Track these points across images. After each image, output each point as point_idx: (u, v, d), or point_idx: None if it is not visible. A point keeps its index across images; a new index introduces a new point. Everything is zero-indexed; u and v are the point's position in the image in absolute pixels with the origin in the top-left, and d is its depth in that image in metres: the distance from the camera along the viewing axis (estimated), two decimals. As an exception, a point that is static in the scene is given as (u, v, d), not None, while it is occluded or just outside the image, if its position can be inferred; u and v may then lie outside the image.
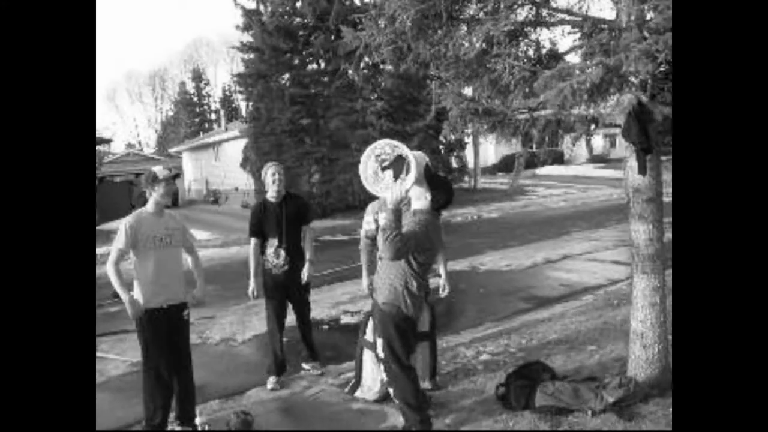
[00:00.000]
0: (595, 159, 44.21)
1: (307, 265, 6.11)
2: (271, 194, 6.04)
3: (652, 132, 4.42)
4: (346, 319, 8.62)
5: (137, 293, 4.74)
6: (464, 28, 5.40)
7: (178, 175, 5.08)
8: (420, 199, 4.50)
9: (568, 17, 5.11)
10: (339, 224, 20.57)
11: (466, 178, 30.70)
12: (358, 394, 5.38)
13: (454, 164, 28.62)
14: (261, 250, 6.06)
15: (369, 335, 5.28)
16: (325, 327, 8.25)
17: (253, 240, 6.02)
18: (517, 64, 4.28)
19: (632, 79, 3.52)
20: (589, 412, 4.53)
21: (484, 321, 7.92)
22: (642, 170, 4.55)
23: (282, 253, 5.95)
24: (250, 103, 24.68)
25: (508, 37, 5.21)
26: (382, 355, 4.54)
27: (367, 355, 5.31)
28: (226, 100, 65.14)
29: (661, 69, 3.86)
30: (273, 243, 5.94)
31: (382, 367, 4.85)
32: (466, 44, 5.40)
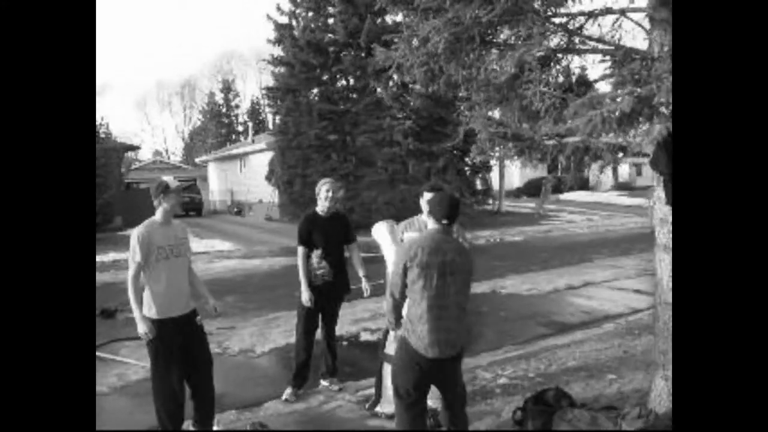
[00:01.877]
0: (621, 186, 43.98)
1: (364, 281, 6.34)
2: (322, 208, 6.20)
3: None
4: (365, 336, 8.64)
5: (149, 303, 4.74)
6: (496, 52, 5.45)
7: (190, 186, 5.17)
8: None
9: (600, 45, 5.14)
10: (362, 241, 20.42)
11: (491, 201, 30.65)
12: (378, 408, 5.40)
13: (479, 186, 28.61)
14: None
15: (389, 349, 5.32)
16: (345, 343, 8.27)
17: (302, 248, 6.11)
18: (548, 90, 4.31)
19: (662, 109, 3.53)
20: (607, 442, 4.51)
21: (503, 344, 7.90)
22: (670, 200, 4.54)
23: (325, 263, 6.09)
24: (278, 117, 24.90)
25: (540, 63, 5.25)
26: None
27: (387, 370, 5.34)
28: (254, 113, 65.77)
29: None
30: (318, 253, 6.07)
31: None
32: (498, 69, 5.45)
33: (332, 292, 6.23)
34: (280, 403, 5.97)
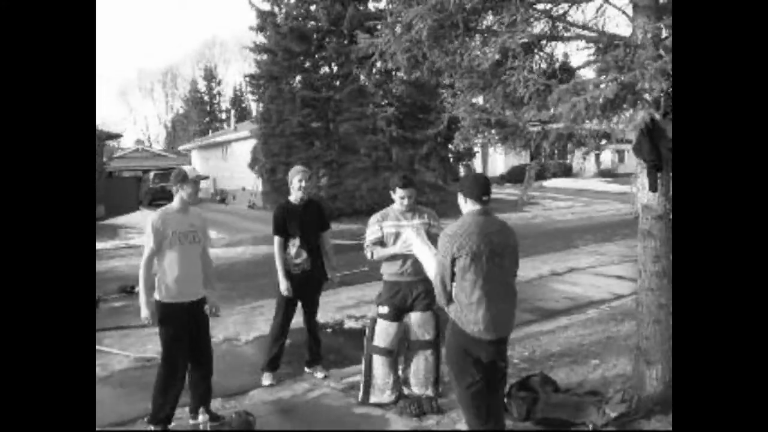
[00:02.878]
0: (603, 173, 44.19)
1: (333, 273, 6.46)
2: (295, 197, 6.20)
3: (664, 149, 4.44)
4: (350, 324, 8.64)
5: (160, 287, 4.86)
6: (480, 39, 5.44)
7: (206, 177, 5.24)
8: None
9: (583, 32, 5.15)
10: (346, 228, 20.58)
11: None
12: (372, 399, 5.42)
13: (462, 173, 28.65)
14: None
15: (378, 341, 5.34)
16: (329, 331, 8.26)
17: (278, 238, 6.10)
18: (532, 77, 4.30)
19: (646, 96, 3.54)
20: (591, 426, 4.55)
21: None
22: (653, 187, 4.57)
23: (303, 253, 6.09)
24: (261, 104, 24.75)
25: (523, 50, 5.25)
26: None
27: (378, 361, 5.36)
28: (237, 101, 65.40)
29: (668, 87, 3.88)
30: (295, 243, 6.07)
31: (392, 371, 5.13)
32: (481, 55, 5.45)
33: (311, 280, 6.24)
34: (265, 391, 5.98)
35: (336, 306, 9.54)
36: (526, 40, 5.09)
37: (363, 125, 22.61)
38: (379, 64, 23.47)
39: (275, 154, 22.89)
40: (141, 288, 4.87)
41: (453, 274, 4.06)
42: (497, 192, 35.48)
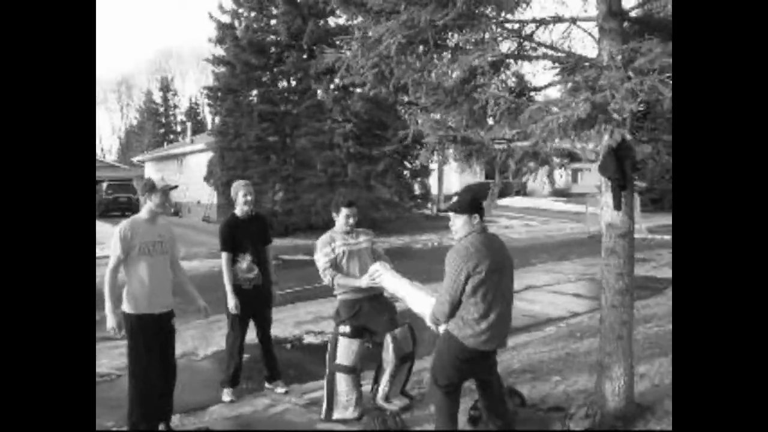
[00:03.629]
0: (557, 193, 44.80)
1: (275, 288, 6.38)
2: (242, 212, 6.12)
3: (628, 169, 4.53)
4: (309, 339, 8.60)
5: (128, 298, 4.76)
6: (448, 56, 5.48)
7: (175, 186, 5.15)
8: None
9: (550, 52, 5.23)
10: (302, 243, 20.47)
11: (429, 205, 30.85)
12: (335, 415, 5.35)
13: (417, 190, 28.76)
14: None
15: (341, 359, 5.31)
16: (288, 346, 8.21)
17: (226, 254, 5.99)
18: (503, 94, 4.35)
19: (615, 116, 3.61)
20: (556, 442, 4.58)
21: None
22: (617, 206, 4.64)
23: (255, 268, 5.99)
24: (218, 117, 24.55)
25: (491, 68, 5.31)
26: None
27: (341, 378, 5.31)
28: (193, 113, 64.78)
29: (641, 108, 3.97)
30: (245, 258, 5.98)
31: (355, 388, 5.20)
32: (448, 72, 5.49)
33: (261, 295, 6.17)
34: (225, 407, 5.90)
35: (294, 321, 9.48)
36: (494, 58, 5.15)
37: (320, 141, 22.59)
38: (337, 80, 23.55)
39: (231, 167, 22.69)
40: (106, 297, 4.73)
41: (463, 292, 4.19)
42: (452, 210, 35.75)
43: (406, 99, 24.80)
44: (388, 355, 5.44)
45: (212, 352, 7.83)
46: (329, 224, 5.80)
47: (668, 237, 21.21)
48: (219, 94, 23.88)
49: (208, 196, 27.99)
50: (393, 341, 5.42)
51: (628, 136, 3.62)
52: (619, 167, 4.45)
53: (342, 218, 5.51)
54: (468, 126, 5.72)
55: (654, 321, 8.56)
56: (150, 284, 4.78)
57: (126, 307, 4.77)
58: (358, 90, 23.18)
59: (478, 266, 4.14)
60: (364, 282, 5.28)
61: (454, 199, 4.53)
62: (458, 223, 4.37)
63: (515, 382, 6.09)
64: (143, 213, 4.91)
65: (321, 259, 5.45)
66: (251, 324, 6.22)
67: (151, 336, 4.80)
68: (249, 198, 6.11)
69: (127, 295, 4.78)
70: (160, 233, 4.93)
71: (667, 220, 27.51)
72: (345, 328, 5.37)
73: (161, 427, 4.89)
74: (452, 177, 42.47)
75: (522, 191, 43.75)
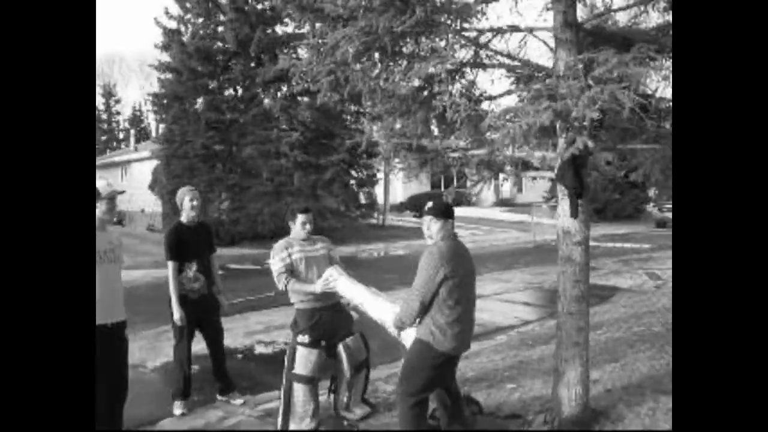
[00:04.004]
0: (502, 203, 45.35)
1: (221, 297, 6.23)
2: (188, 219, 5.98)
3: (585, 177, 4.59)
4: (260, 349, 8.48)
5: None
6: (404, 63, 5.48)
7: (122, 192, 4.93)
8: None
9: (507, 61, 5.27)
10: (248, 253, 20.26)
11: (376, 215, 30.86)
12: (292, 426, 5.23)
13: (363, 200, 28.72)
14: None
15: (299, 368, 5.22)
16: (240, 356, 8.07)
17: (172, 263, 5.80)
18: (463, 101, 4.37)
19: (576, 124, 3.65)
20: (515, 449, 4.59)
21: (399, 356, 7.89)
22: (574, 214, 4.69)
23: (201, 277, 5.86)
24: (164, 125, 24.13)
25: (448, 76, 5.33)
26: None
27: (299, 388, 5.21)
28: (136, 120, 63.57)
29: (598, 116, 4.02)
30: (191, 267, 5.83)
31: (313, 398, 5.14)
32: (404, 79, 5.49)
33: (208, 305, 6.03)
34: (177, 420, 5.75)
35: (245, 331, 9.33)
36: (451, 66, 5.17)
37: (266, 149, 22.38)
38: (285, 87, 23.46)
39: (177, 175, 22.29)
40: None
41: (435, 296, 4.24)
42: (398, 219, 35.85)
43: (353, 108, 24.99)
44: (343, 365, 5.39)
45: (161, 364, 7.64)
46: (276, 233, 5.75)
47: (611, 245, 21.67)
48: (165, 101, 23.47)
49: (153, 204, 27.46)
50: (346, 350, 5.37)
51: (591, 144, 3.65)
52: (577, 175, 4.50)
53: (298, 225, 5.43)
54: (422, 134, 5.74)
55: (603, 328, 8.69)
56: (102, 294, 4.57)
57: None
58: (305, 99, 23.14)
59: (455, 270, 4.20)
60: (318, 287, 5.17)
61: (430, 204, 4.53)
62: (434, 227, 4.42)
63: (470, 390, 6.09)
64: None
65: (276, 264, 5.33)
66: (200, 335, 6.07)
67: (104, 348, 4.59)
68: (195, 203, 5.95)
69: None
70: (109, 240, 4.73)
71: (610, 229, 28.13)
72: (304, 338, 5.27)
73: None
74: (398, 187, 42.68)
75: (466, 201, 44.15)
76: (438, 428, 4.86)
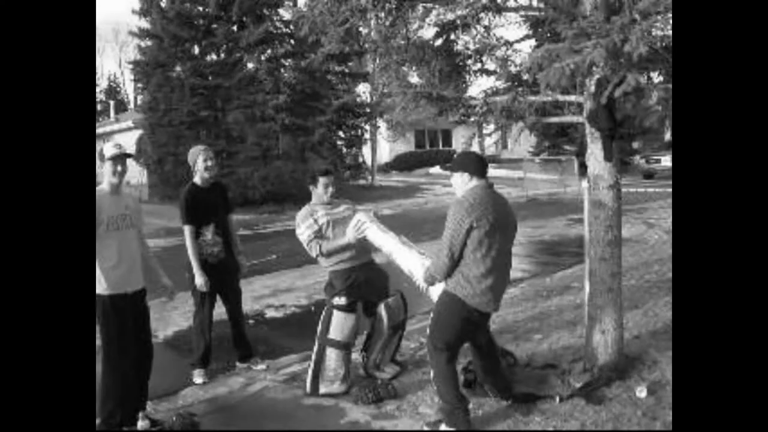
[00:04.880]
0: (488, 159, 45.15)
1: (242, 257, 6.01)
2: (202, 180, 5.70)
3: (620, 116, 4.46)
4: (271, 313, 8.35)
5: (98, 278, 4.31)
6: (420, 9, 5.30)
7: (129, 154, 4.65)
8: None
9: (525, 2, 5.11)
10: (240, 218, 19.98)
11: (365, 175, 30.68)
12: (322, 389, 5.11)
13: (352, 161, 28.48)
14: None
15: (334, 333, 5.10)
16: (251, 322, 7.93)
17: (189, 227, 5.55)
18: (497, 43, 4.19)
19: (622, 60, 3.50)
20: (557, 398, 4.51)
21: (415, 314, 7.81)
22: (608, 156, 4.57)
23: (219, 240, 5.65)
24: (146, 93, 23.60)
25: (462, 23, 5.17)
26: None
27: (331, 352, 5.10)
28: (113, 91, 62.55)
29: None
30: (209, 230, 5.61)
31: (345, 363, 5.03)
32: (421, 26, 5.30)
33: (228, 268, 5.82)
34: (198, 389, 5.56)
35: (252, 296, 9.18)
36: (468, 10, 5.00)
37: (252, 113, 22.03)
38: (269, 51, 23.06)
39: (163, 144, 21.93)
40: None
41: (464, 246, 4.07)
42: (385, 179, 35.69)
43: (338, 69, 24.69)
44: (382, 326, 5.27)
45: (173, 333, 7.50)
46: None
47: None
48: (147, 68, 22.94)
49: (138, 175, 27.07)
50: (387, 310, 5.26)
51: (643, 80, 3.50)
52: (611, 116, 4.36)
53: (320, 188, 5.29)
54: (440, 82, 5.59)
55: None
56: (121, 261, 4.40)
57: (98, 288, 4.33)
58: (290, 61, 22.80)
59: (480, 219, 4.01)
60: (350, 235, 5.01)
61: (454, 157, 4.39)
62: (456, 180, 4.26)
63: (498, 342, 6.02)
64: (104, 185, 4.46)
65: (305, 232, 5.19)
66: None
67: (126, 318, 4.44)
68: (210, 163, 5.66)
69: (99, 274, 4.33)
70: (126, 205, 4.52)
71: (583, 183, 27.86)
72: (340, 300, 5.13)
73: (140, 418, 4.51)
74: (384, 147, 42.42)
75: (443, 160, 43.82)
76: (473, 380, 4.78)
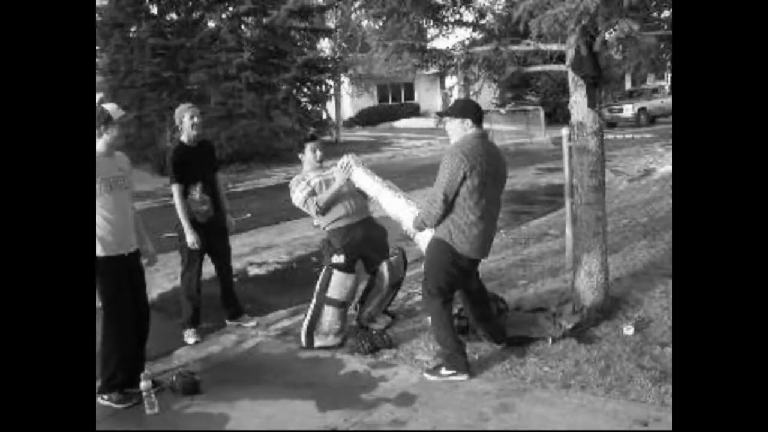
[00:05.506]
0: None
1: (228, 216, 6.02)
2: (189, 138, 5.65)
3: (603, 63, 4.53)
4: (254, 271, 8.39)
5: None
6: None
7: (132, 115, 4.64)
8: None
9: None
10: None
11: (331, 131, 30.45)
12: (317, 342, 5.21)
13: (315, 117, 28.18)
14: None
15: (332, 293, 5.17)
16: (235, 279, 7.94)
17: (177, 186, 5.53)
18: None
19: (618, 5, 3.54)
20: (550, 340, 4.66)
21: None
22: (592, 104, 4.66)
23: (207, 198, 5.64)
24: (104, 55, 22.97)
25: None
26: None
27: (329, 310, 5.18)
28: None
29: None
30: (197, 188, 5.59)
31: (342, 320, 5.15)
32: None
33: (217, 226, 5.83)
34: (191, 349, 5.58)
35: (233, 255, 9.17)
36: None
37: (216, 73, 21.64)
38: (231, 8, 22.58)
39: (125, 107, 21.25)
40: None
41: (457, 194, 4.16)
42: (349, 134, 35.47)
43: (301, 25, 24.28)
44: (383, 283, 5.37)
45: (157, 295, 7.49)
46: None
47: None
48: (105, 29, 22.28)
49: (99, 139, 26.58)
50: (389, 269, 5.35)
51: (636, 27, 3.56)
52: (596, 65, 4.44)
53: (309, 154, 5.46)
54: (419, 33, 5.62)
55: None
56: (117, 222, 4.40)
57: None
58: (252, 18, 22.38)
59: (474, 167, 4.09)
60: (339, 178, 5.19)
61: (450, 104, 4.42)
62: (451, 126, 4.31)
63: (484, 288, 6.16)
64: (100, 146, 4.38)
65: (299, 195, 5.31)
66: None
67: (123, 279, 4.47)
68: (196, 120, 5.62)
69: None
70: (120, 167, 4.51)
71: (561, 131, 28.01)
72: (339, 258, 5.19)
73: (142, 378, 4.52)
74: (346, 102, 42.07)
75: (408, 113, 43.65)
76: (466, 327, 4.90)
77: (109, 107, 4.41)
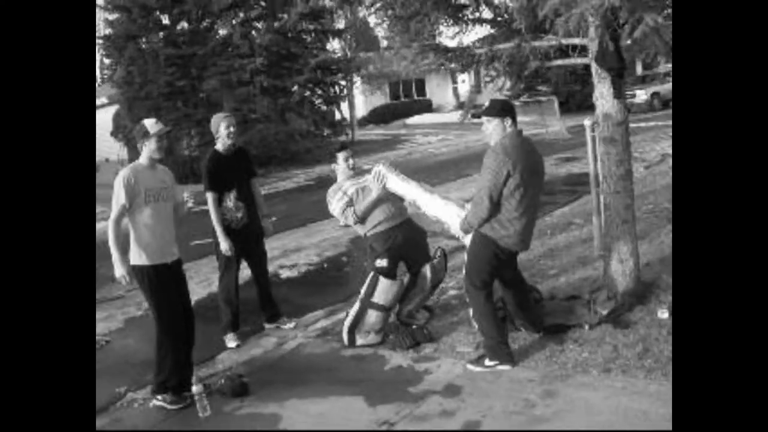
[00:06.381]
0: (462, 106, 45.02)
1: (265, 220, 6.16)
2: (224, 147, 5.82)
3: (627, 55, 4.64)
4: (286, 273, 8.52)
5: (137, 251, 4.56)
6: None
7: (170, 129, 4.83)
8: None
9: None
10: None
11: (346, 131, 30.55)
12: (359, 340, 5.34)
13: (330, 118, 28.30)
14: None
15: (378, 298, 5.29)
16: (268, 284, 8.10)
17: (212, 194, 5.69)
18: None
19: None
20: (587, 326, 4.78)
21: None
22: (618, 94, 4.77)
23: (241, 205, 5.79)
24: (119, 68, 23.19)
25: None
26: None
27: (372, 313, 5.31)
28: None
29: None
30: (231, 196, 5.74)
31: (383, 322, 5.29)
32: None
33: (252, 232, 5.98)
34: (234, 353, 5.72)
35: (263, 258, 9.34)
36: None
37: (229, 79, 21.84)
38: (241, 14, 22.76)
39: (141, 118, 21.54)
40: (112, 247, 4.45)
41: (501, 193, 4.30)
42: (364, 133, 35.52)
43: (312, 27, 24.42)
44: (425, 284, 5.50)
45: (194, 302, 7.60)
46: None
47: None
48: (119, 42, 22.49)
49: (118, 151, 26.81)
50: (432, 271, 5.48)
51: (660, 20, 3.67)
52: (620, 57, 4.55)
53: (342, 163, 5.62)
54: (440, 33, 5.75)
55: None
56: (159, 233, 4.61)
57: (138, 260, 4.56)
58: (263, 23, 22.54)
59: (516, 165, 4.25)
60: (374, 189, 5.30)
61: (486, 104, 4.53)
62: (490, 126, 4.43)
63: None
64: (143, 159, 4.65)
65: (337, 206, 5.48)
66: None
67: (170, 286, 4.66)
68: (232, 129, 5.77)
69: (137, 246, 4.56)
70: (162, 179, 4.72)
71: (575, 120, 27.88)
72: (382, 262, 5.35)
73: (194, 383, 4.62)
74: (359, 101, 42.10)
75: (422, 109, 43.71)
76: (504, 317, 5.02)
77: (147, 123, 4.64)
